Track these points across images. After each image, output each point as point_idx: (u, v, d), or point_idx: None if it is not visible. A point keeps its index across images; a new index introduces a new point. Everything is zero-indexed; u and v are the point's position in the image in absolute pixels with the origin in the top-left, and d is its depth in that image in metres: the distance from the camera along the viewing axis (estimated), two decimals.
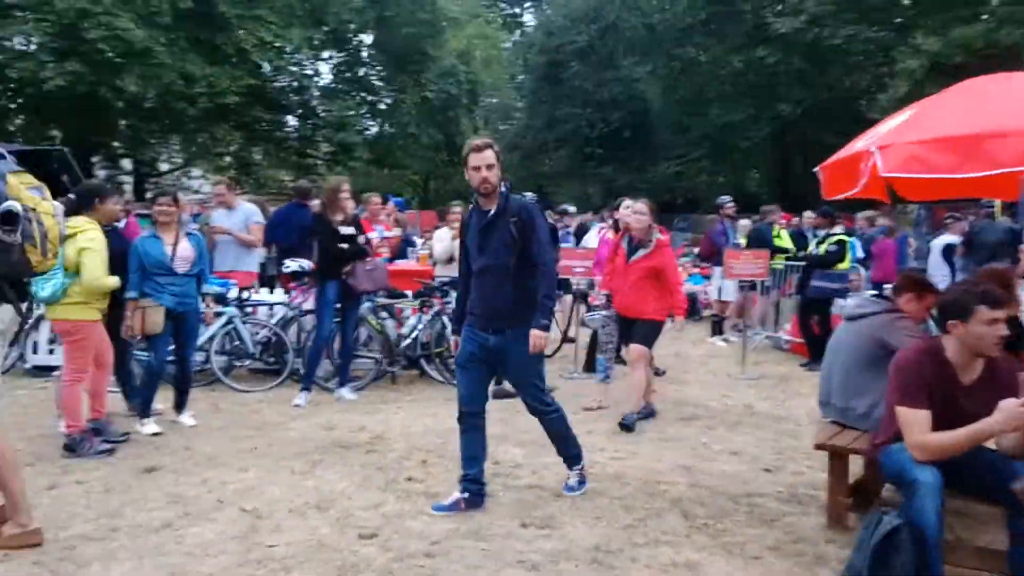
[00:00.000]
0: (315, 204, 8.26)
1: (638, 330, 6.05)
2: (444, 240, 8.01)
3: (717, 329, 11.02)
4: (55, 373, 6.66)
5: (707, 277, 13.03)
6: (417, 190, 33.50)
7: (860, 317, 4.36)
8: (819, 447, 4.11)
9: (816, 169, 4.41)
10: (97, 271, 4.97)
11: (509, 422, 6.00)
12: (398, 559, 3.54)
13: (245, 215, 8.24)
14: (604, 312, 6.56)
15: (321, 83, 26.24)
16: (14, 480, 3.54)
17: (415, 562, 3.51)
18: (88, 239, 4.98)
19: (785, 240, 10.80)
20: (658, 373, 8.10)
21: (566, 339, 8.90)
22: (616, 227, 7.16)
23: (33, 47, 19.00)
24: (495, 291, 4.11)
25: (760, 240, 10.18)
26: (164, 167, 26.68)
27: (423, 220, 19.80)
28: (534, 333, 4.06)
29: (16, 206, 3.25)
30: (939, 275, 9.92)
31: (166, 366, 5.92)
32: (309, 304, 7.32)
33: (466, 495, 4.16)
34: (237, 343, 7.33)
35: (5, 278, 3.39)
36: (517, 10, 40.61)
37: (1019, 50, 16.22)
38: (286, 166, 26.66)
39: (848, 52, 22.69)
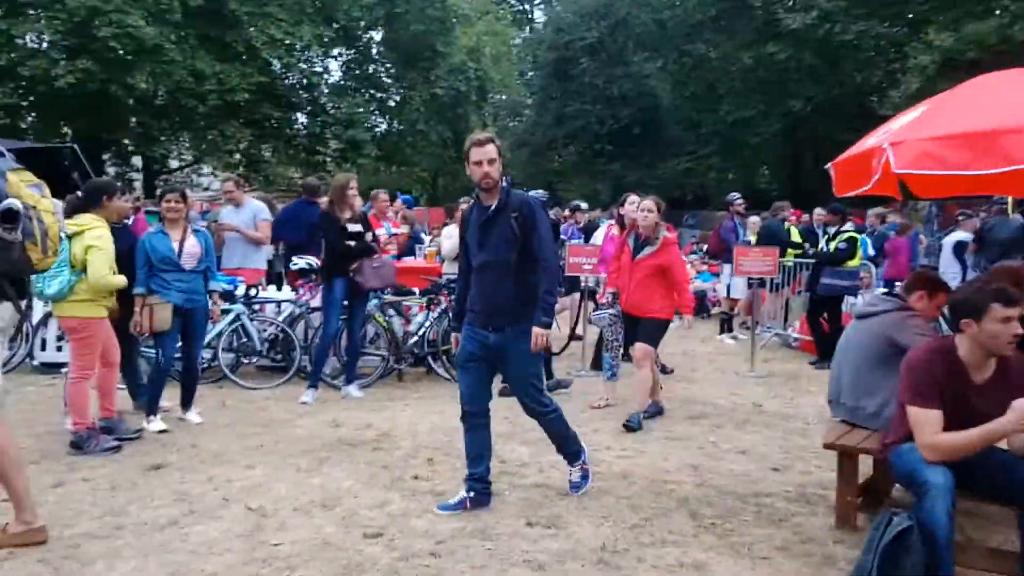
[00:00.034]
0: (323, 201, 8.26)
1: (643, 328, 5.99)
2: (452, 237, 7.99)
3: (726, 327, 10.97)
4: (63, 370, 6.71)
5: (716, 274, 12.97)
6: (426, 187, 33.51)
7: (871, 315, 4.31)
8: (828, 446, 4.06)
9: (827, 166, 4.36)
10: (103, 269, 4.96)
11: (515, 420, 5.96)
12: (403, 558, 3.52)
13: (253, 212, 8.25)
14: (611, 311, 6.51)
15: (330, 80, 26.24)
16: (18, 478, 3.53)
17: (420, 561, 3.49)
18: (95, 237, 4.98)
19: (795, 237, 10.74)
20: (666, 371, 8.07)
21: (574, 337, 8.86)
22: (621, 224, 7.09)
23: (44, 45, 19.12)
24: (495, 287, 4.06)
25: (772, 236, 10.11)
26: (174, 164, 26.76)
27: (431, 217, 19.82)
28: (536, 331, 4.01)
29: (17, 204, 3.25)
30: (950, 272, 9.84)
31: (173, 363, 5.93)
32: (316, 301, 7.32)
33: (472, 494, 4.13)
34: (244, 340, 7.33)
35: (5, 276, 3.39)
36: (527, 6, 40.54)
37: None
38: (295, 163, 26.68)
39: (859, 48, 22.52)
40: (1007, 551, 3.32)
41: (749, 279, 9.16)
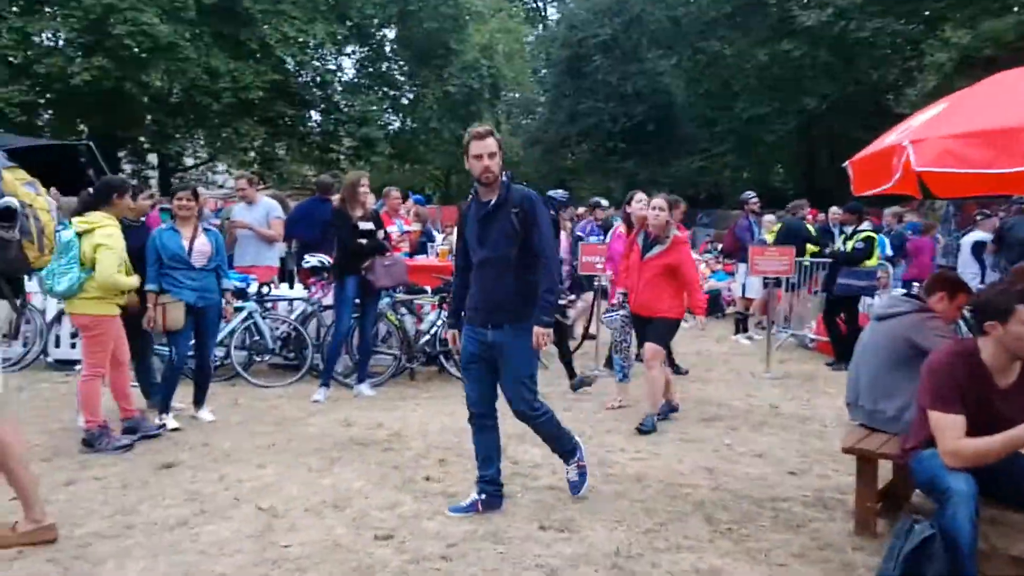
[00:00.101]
0: (337, 198, 8.24)
1: (653, 328, 5.87)
2: None
3: (741, 327, 10.87)
4: (76, 367, 6.71)
5: (731, 273, 12.86)
6: (439, 185, 33.48)
7: (890, 317, 4.24)
8: (847, 451, 3.99)
9: (845, 164, 4.28)
10: (112, 268, 4.94)
11: None
12: (414, 561, 3.48)
13: (266, 210, 8.24)
14: (622, 312, 6.43)
15: (344, 78, 26.26)
16: (24, 475, 3.53)
17: (431, 565, 3.45)
18: (105, 235, 4.96)
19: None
20: (680, 372, 8.00)
21: (587, 336, 8.81)
22: (629, 222, 6.97)
23: (60, 43, 19.24)
24: (495, 284, 3.98)
25: (792, 234, 10.00)
26: (189, 162, 26.87)
27: (444, 215, 19.79)
28: (536, 331, 3.93)
29: (14, 202, 3.26)
30: (969, 273, 9.72)
31: (187, 361, 5.92)
32: (328, 299, 7.30)
33: (483, 496, 4.09)
34: (257, 338, 7.32)
35: (2, 274, 3.38)
36: (540, 4, 40.43)
37: None
38: (309, 161, 26.72)
39: (875, 45, 22.32)
40: None
41: (765, 279, 9.07)
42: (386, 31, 26.54)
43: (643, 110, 27.45)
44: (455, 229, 8.66)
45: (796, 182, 28.57)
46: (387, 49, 27.05)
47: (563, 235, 7.13)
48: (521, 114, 34.86)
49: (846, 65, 23.49)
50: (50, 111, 21.40)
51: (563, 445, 4.32)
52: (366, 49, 26.43)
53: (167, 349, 5.89)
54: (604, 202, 11.16)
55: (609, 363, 7.84)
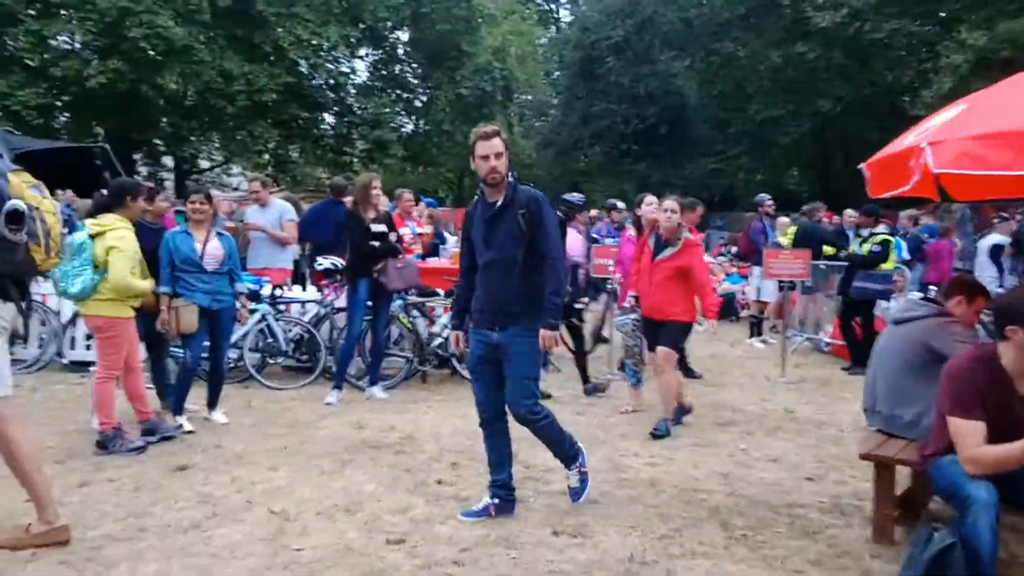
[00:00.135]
0: (350, 201, 8.24)
1: (665, 332, 5.79)
2: None
3: (755, 330, 10.80)
4: (91, 369, 6.73)
5: (745, 276, 12.79)
6: (452, 187, 33.50)
7: (907, 321, 4.19)
8: (864, 457, 3.94)
9: (861, 166, 4.23)
10: (124, 271, 4.95)
11: None
12: (425, 566, 3.46)
13: (279, 212, 8.25)
14: (633, 316, 6.37)
15: (357, 81, 26.34)
16: (35, 475, 3.53)
17: (443, 570, 3.43)
18: (117, 238, 4.97)
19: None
20: (694, 376, 7.95)
21: (600, 339, 8.76)
22: (638, 225, 6.91)
23: (77, 45, 19.39)
24: (501, 285, 3.94)
25: (808, 238, 9.92)
26: (204, 164, 27.02)
27: (456, 217, 19.77)
28: (543, 333, 3.90)
29: (21, 205, 3.27)
30: (987, 276, 9.63)
31: (200, 363, 5.93)
32: (341, 302, 7.30)
33: (496, 501, 4.06)
34: (270, 340, 7.33)
35: (10, 277, 3.40)
36: (552, 6, 40.40)
37: None
38: (322, 163, 26.82)
39: (890, 47, 22.12)
40: None
41: (780, 282, 9.00)
42: (399, 34, 26.61)
43: (656, 112, 27.34)
44: None
45: (810, 184, 28.38)
46: (400, 51, 27.12)
47: (580, 238, 7.09)
48: (533, 116, 34.82)
49: (861, 67, 23.31)
50: (66, 114, 21.59)
51: (565, 450, 4.24)
52: (379, 52, 26.51)
53: (181, 351, 5.91)
54: (620, 204, 11.12)
55: (623, 367, 7.80)
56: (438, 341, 7.45)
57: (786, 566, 3.57)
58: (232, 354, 7.10)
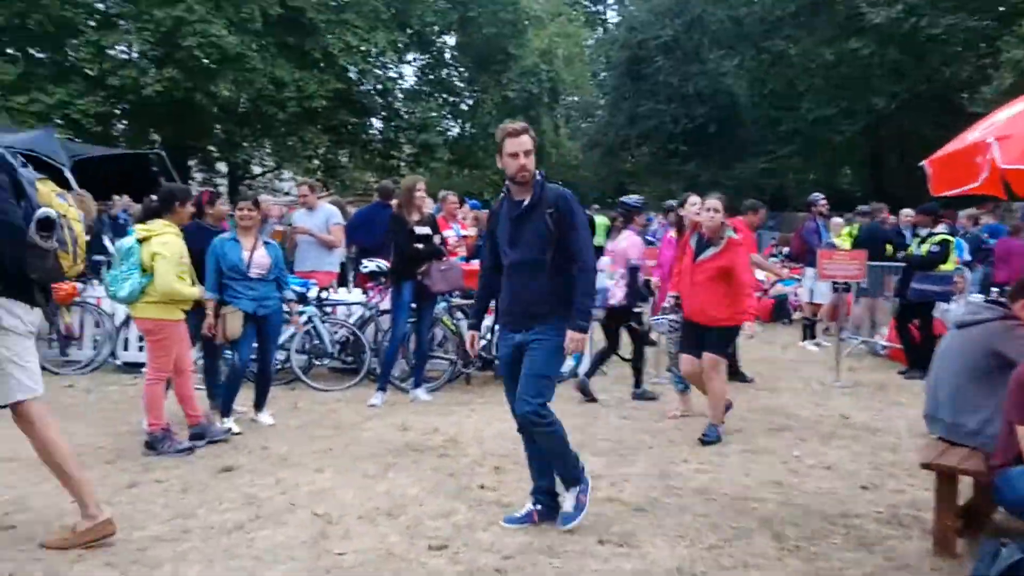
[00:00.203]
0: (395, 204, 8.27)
1: (710, 338, 5.61)
2: None
3: (808, 333, 10.52)
4: (144, 370, 6.85)
5: (797, 278, 12.48)
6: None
7: (972, 324, 3.99)
8: (926, 466, 3.76)
9: (923, 163, 4.05)
10: (168, 276, 4.99)
11: (585, 430, 5.82)
12: (467, 573, 3.40)
13: (326, 216, 8.33)
14: (670, 317, 6.22)
15: (404, 85, 26.58)
16: (74, 474, 3.57)
17: None
18: (161, 243, 5.02)
19: None
20: (746, 380, 7.76)
21: (647, 342, 8.61)
22: (680, 226, 6.75)
23: (134, 55, 19.94)
24: (526, 287, 3.81)
25: (872, 238, 9.63)
26: (256, 170, 27.55)
27: None
28: (571, 335, 3.75)
29: (52, 213, 3.34)
30: None
31: (249, 365, 5.98)
32: (386, 304, 7.31)
33: (539, 507, 3.97)
34: (316, 342, 7.38)
35: (39, 283, 3.47)
36: (600, 7, 40.23)
37: None
38: (371, 168, 27.11)
39: (947, 42, 21.45)
40: None
41: (834, 283, 8.74)
42: (446, 38, 26.77)
43: (705, 111, 27.00)
44: None
45: (863, 184, 27.69)
46: (447, 56, 27.28)
47: (638, 240, 7.00)
48: (580, 117, 34.70)
49: (916, 63, 22.66)
50: (124, 121, 22.23)
51: (568, 468, 3.95)
52: (426, 56, 26.70)
53: (231, 353, 5.97)
54: (675, 203, 10.96)
55: (671, 370, 7.65)
56: (482, 343, 7.40)
57: None
58: (279, 356, 7.19)
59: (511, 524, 3.92)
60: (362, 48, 21.74)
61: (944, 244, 8.41)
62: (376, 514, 4.09)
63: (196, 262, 5.43)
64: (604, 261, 7.06)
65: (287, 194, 26.30)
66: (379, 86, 24.62)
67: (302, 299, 7.14)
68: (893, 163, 25.73)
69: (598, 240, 16.10)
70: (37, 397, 3.50)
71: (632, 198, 7.49)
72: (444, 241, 7.06)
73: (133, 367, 7.68)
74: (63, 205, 3.50)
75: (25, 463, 4.44)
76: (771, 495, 4.50)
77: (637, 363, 7.13)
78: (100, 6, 20.07)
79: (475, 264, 8.65)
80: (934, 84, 23.02)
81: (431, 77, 27.04)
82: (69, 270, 3.50)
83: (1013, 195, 4.48)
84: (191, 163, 24.48)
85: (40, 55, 19.62)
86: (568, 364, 7.68)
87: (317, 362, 7.50)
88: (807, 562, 3.59)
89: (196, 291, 5.26)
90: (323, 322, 7.36)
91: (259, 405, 6.04)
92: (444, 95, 26.93)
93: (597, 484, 4.58)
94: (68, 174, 11.03)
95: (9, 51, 19.05)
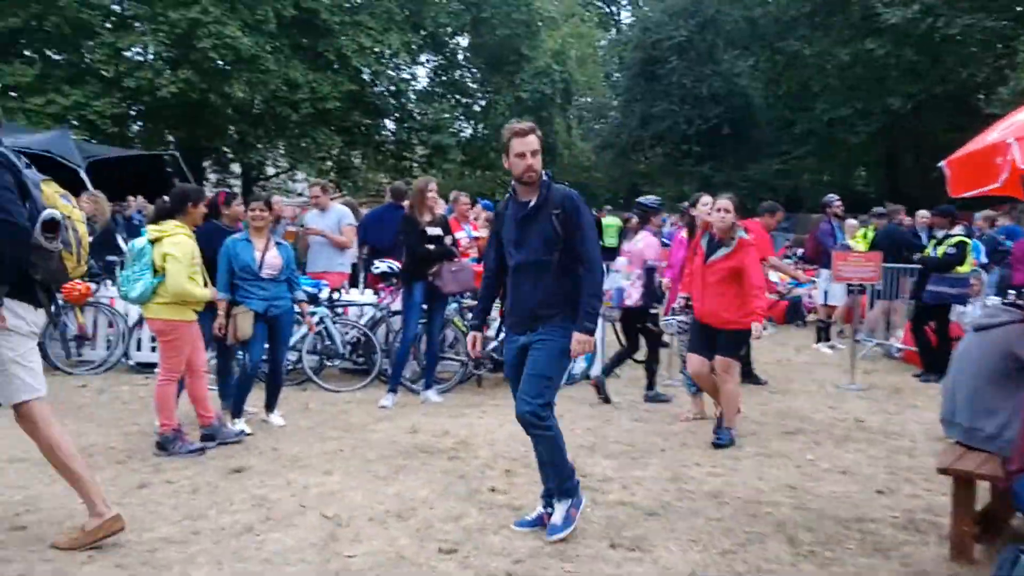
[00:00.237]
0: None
1: (721, 340, 5.56)
2: None
3: (822, 335, 10.43)
4: (157, 370, 6.87)
5: (812, 280, 12.36)
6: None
7: (990, 327, 3.92)
8: (943, 471, 3.70)
9: (941, 164, 4.00)
10: (179, 277, 4.98)
11: (597, 432, 5.79)
12: None
13: (338, 217, 8.33)
14: (679, 318, 6.16)
15: (417, 87, 26.62)
16: (80, 472, 3.57)
17: None
18: (172, 244, 5.01)
19: None
20: (760, 382, 7.70)
21: (660, 343, 8.55)
22: (691, 226, 6.70)
23: (149, 57, 20.07)
24: (531, 290, 3.76)
25: (891, 241, 9.53)
26: (270, 171, 27.66)
27: None
28: (578, 337, 3.69)
29: (57, 214, 3.36)
30: None
31: (260, 366, 5.98)
32: (397, 305, 7.30)
33: (550, 510, 3.91)
34: (328, 343, 7.38)
35: (43, 283, 3.48)
36: (613, 8, 40.15)
37: None
38: (383, 169, 27.18)
39: (964, 43, 21.24)
40: None
41: (849, 285, 8.66)
42: (459, 39, 26.79)
43: (719, 112, 26.85)
44: None
45: (878, 185, 27.48)
46: (460, 57, 27.30)
47: (656, 241, 6.97)
48: (593, 119, 34.61)
49: (933, 63, 22.47)
50: (140, 123, 22.39)
51: (562, 479, 3.82)
52: (439, 57, 26.74)
53: (243, 355, 5.97)
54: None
55: (684, 372, 7.60)
56: (493, 345, 7.38)
57: None
58: (291, 356, 7.19)
59: (522, 528, 3.88)
60: (375, 49, 21.78)
61: (961, 246, 8.32)
62: (386, 516, 4.07)
63: (212, 263, 5.45)
64: (620, 262, 7.03)
65: (300, 195, 26.42)
66: (392, 87, 24.67)
67: (313, 300, 7.14)
68: (908, 164, 25.53)
69: (610, 241, 16.10)
70: (40, 397, 3.51)
71: (649, 199, 7.46)
72: (456, 242, 7.03)
73: (146, 367, 7.70)
74: (67, 206, 3.52)
75: (36, 463, 4.43)
76: (785, 499, 4.44)
77: (651, 365, 7.08)
78: (116, 8, 20.24)
79: None
80: (950, 85, 22.82)
81: (444, 78, 27.06)
82: (73, 271, 3.51)
83: None
84: (205, 164, 24.62)
85: (57, 57, 19.80)
86: (580, 365, 7.66)
87: (328, 363, 7.50)
88: (822, 567, 3.54)
89: (208, 292, 5.25)
90: (334, 323, 7.36)
91: (270, 406, 6.04)
92: (457, 96, 26.94)
93: (608, 487, 4.57)
94: (83, 175, 11.13)
95: (26, 53, 19.24)
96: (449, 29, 25.37)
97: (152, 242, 5.04)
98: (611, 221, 17.71)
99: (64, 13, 17.77)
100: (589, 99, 33.43)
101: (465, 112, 27.19)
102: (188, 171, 14.20)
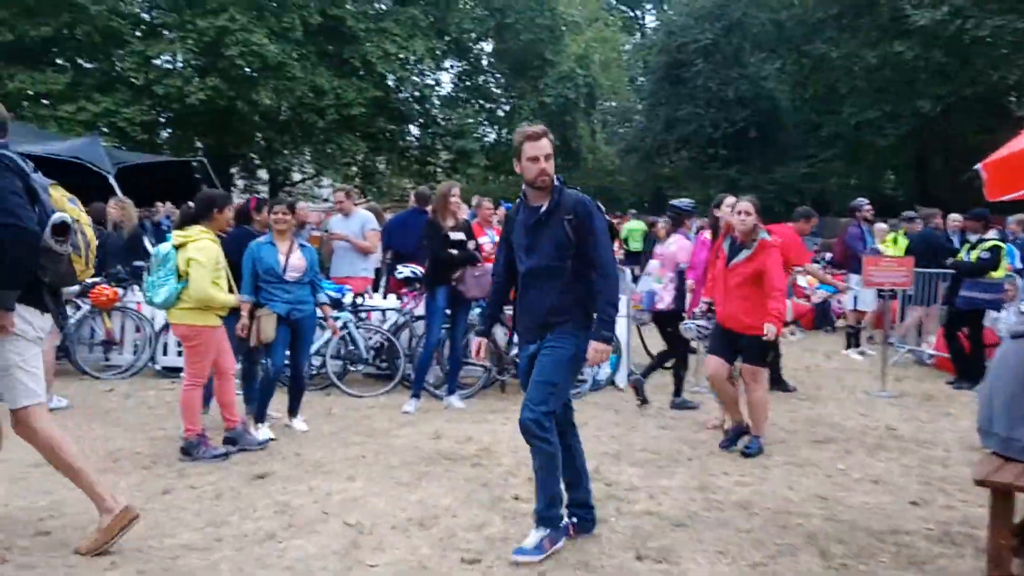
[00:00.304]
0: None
1: (746, 347, 5.46)
2: None
3: (852, 341, 10.25)
4: (183, 375, 6.91)
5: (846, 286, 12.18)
6: None
7: None
8: (980, 483, 3.58)
9: (978, 167, 3.89)
10: (203, 283, 4.99)
11: (622, 439, 5.71)
12: None
13: (361, 222, 8.34)
14: (700, 322, 6.07)
15: (442, 92, 26.69)
16: (83, 470, 3.58)
17: None
18: (197, 249, 5.03)
19: None
20: (788, 389, 7.57)
21: (688, 349, 8.45)
22: (715, 228, 6.61)
23: (178, 64, 20.34)
24: (541, 297, 3.68)
25: (927, 245, 9.35)
26: (296, 176, 27.88)
27: None
28: (595, 345, 3.60)
29: (67, 217, 3.39)
30: None
31: (283, 371, 5.98)
32: (420, 310, 7.28)
33: (574, 520, 3.86)
34: (352, 348, 7.37)
35: (51, 287, 3.50)
36: (637, 12, 40.01)
37: None
38: (408, 174, 27.29)
39: (994, 44, 20.84)
40: None
41: (880, 290, 8.50)
42: (483, 44, 26.84)
43: (745, 116, 26.61)
44: None
45: (907, 188, 27.07)
46: (484, 62, 27.34)
47: (688, 244, 6.91)
48: (617, 123, 34.47)
49: (962, 66, 22.07)
50: (169, 129, 22.68)
51: (546, 502, 3.65)
52: (464, 63, 26.80)
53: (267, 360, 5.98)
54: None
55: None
56: (516, 350, 7.32)
57: None
58: (315, 361, 7.20)
59: None
60: (400, 56, 21.89)
61: (995, 250, 8.13)
62: (408, 524, 4.03)
63: (239, 267, 5.49)
64: (653, 265, 6.98)
65: (326, 200, 26.61)
66: (417, 93, 24.75)
67: (337, 305, 7.15)
68: (938, 167, 25.11)
69: (635, 246, 15.92)
70: (40, 403, 3.52)
71: (683, 201, 7.38)
72: (479, 247, 7.00)
73: (172, 371, 7.75)
74: (75, 210, 3.55)
75: None
76: (816, 510, 4.34)
77: (678, 371, 6.99)
78: (145, 17, 20.54)
79: None
80: (980, 87, 22.41)
81: (468, 84, 27.13)
82: (81, 274, 3.54)
83: None
84: (233, 170, 24.87)
85: (88, 65, 20.11)
86: (605, 371, 7.59)
87: (352, 368, 7.50)
88: None
89: (232, 298, 5.26)
90: (358, 328, 7.36)
91: (293, 411, 6.04)
92: (481, 101, 26.98)
93: (634, 496, 4.49)
94: (112, 181, 11.26)
95: (58, 61, 19.56)
96: (473, 35, 25.42)
97: (177, 247, 5.06)
98: (636, 225, 17.62)
99: (95, 22, 18.05)
100: (613, 103, 33.29)
101: (489, 117, 27.22)
102: (216, 177, 14.34)
